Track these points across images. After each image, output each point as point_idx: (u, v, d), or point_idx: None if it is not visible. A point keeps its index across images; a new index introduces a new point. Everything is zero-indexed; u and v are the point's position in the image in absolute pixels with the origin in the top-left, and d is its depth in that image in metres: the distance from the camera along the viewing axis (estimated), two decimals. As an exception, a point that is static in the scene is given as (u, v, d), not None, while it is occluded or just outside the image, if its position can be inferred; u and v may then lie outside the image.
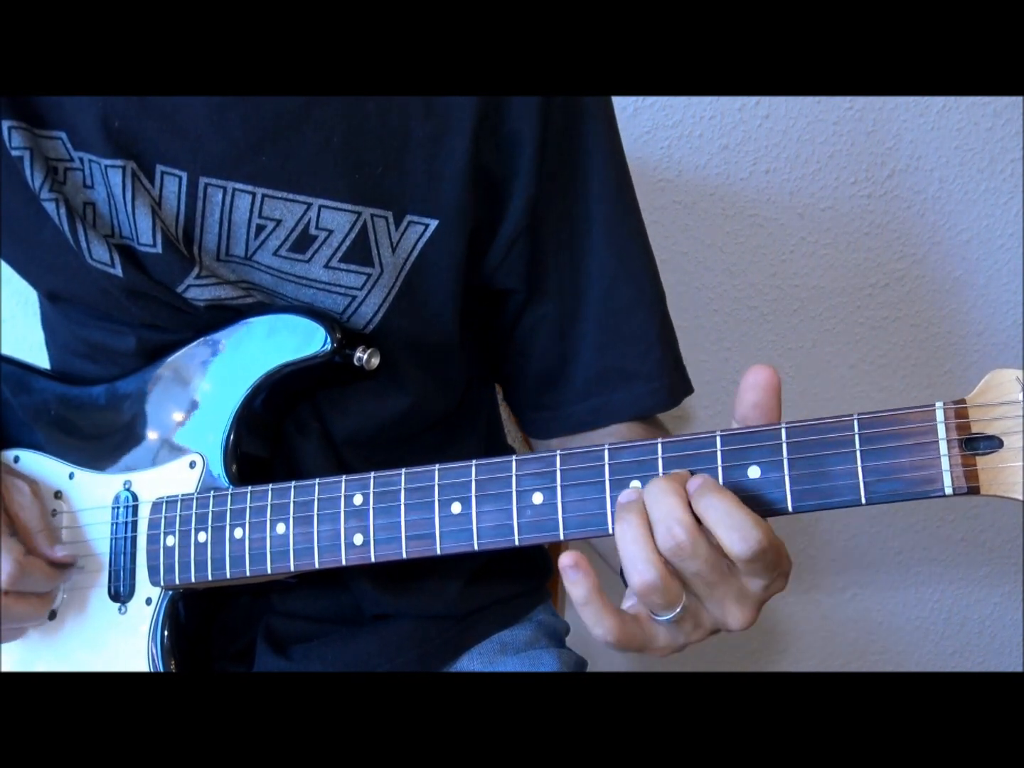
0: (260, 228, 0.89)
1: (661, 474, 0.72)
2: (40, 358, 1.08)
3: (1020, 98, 1.53)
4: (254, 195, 0.89)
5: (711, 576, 0.68)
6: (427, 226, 0.90)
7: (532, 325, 0.97)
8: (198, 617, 0.92)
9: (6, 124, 0.90)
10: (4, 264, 1.01)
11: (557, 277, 0.95)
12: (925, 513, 1.69)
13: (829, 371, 1.61)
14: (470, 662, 1.00)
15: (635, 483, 0.73)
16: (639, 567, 0.68)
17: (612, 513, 0.74)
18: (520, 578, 1.07)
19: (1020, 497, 0.65)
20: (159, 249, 0.89)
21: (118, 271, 0.90)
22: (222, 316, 0.92)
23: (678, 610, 0.69)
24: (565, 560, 0.69)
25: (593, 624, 0.69)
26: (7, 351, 1.06)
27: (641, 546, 0.68)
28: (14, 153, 0.90)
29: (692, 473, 0.70)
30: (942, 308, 1.61)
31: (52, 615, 0.94)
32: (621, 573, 0.72)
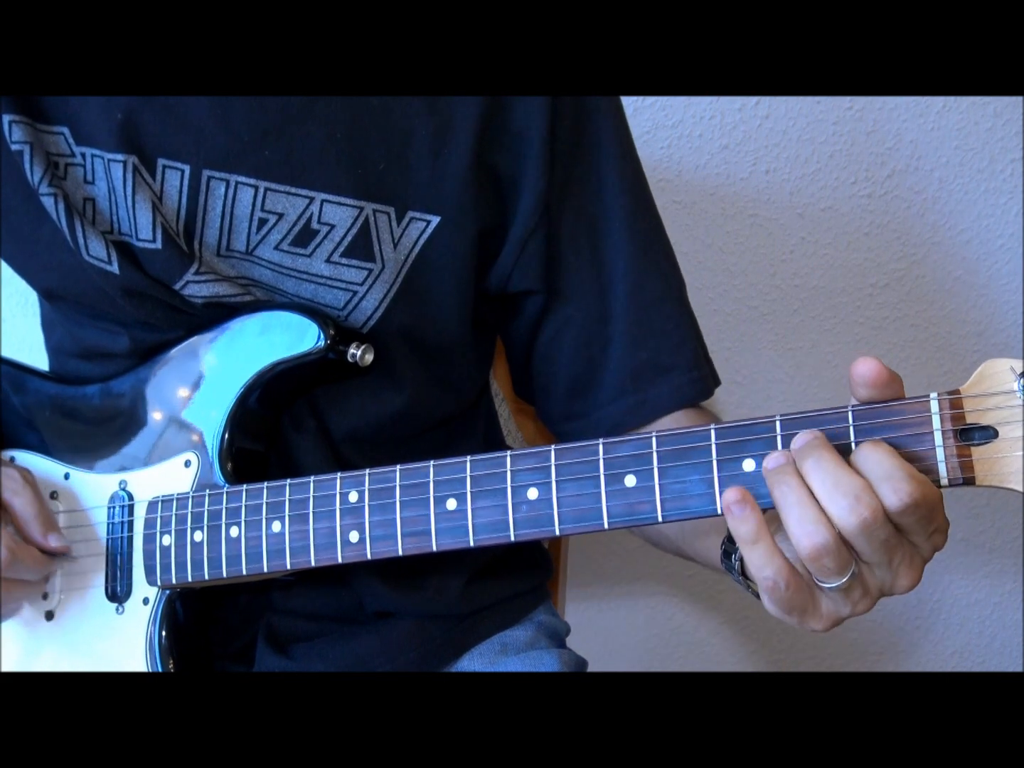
0: (262, 222, 0.89)
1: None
2: (40, 358, 1.08)
3: (1020, 98, 1.53)
4: (257, 188, 0.89)
5: (894, 540, 0.65)
6: (429, 222, 0.90)
7: (556, 329, 0.95)
8: (196, 616, 0.92)
9: (7, 118, 0.90)
10: (4, 264, 1.01)
11: (578, 277, 0.94)
12: (925, 513, 1.68)
13: (829, 371, 1.61)
14: (471, 662, 1.00)
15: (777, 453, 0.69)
16: (808, 529, 0.65)
17: (608, 508, 0.74)
18: (521, 578, 1.07)
19: (1016, 487, 0.65)
20: (158, 244, 0.89)
21: (115, 268, 0.90)
22: (218, 314, 0.92)
23: (847, 577, 0.66)
24: (731, 496, 0.66)
25: (762, 565, 0.66)
26: (7, 351, 1.06)
27: (808, 507, 0.65)
28: (14, 147, 0.90)
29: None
30: (942, 308, 1.61)
31: (50, 616, 0.94)
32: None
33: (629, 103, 1.44)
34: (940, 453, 0.66)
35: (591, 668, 1.06)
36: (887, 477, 0.64)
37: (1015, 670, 1.77)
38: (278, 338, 0.89)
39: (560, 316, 0.95)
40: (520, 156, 0.90)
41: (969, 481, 0.66)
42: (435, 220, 0.90)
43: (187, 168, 0.89)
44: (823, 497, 0.65)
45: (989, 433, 0.66)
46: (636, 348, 0.94)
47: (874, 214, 1.55)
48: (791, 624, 0.70)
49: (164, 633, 0.89)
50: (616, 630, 1.70)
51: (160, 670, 0.89)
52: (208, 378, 0.92)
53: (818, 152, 1.51)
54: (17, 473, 0.92)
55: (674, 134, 1.47)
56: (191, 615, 0.91)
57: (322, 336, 0.88)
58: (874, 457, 0.65)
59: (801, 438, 0.67)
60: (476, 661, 1.01)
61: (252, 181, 0.89)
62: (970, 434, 0.66)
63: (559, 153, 0.90)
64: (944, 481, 0.67)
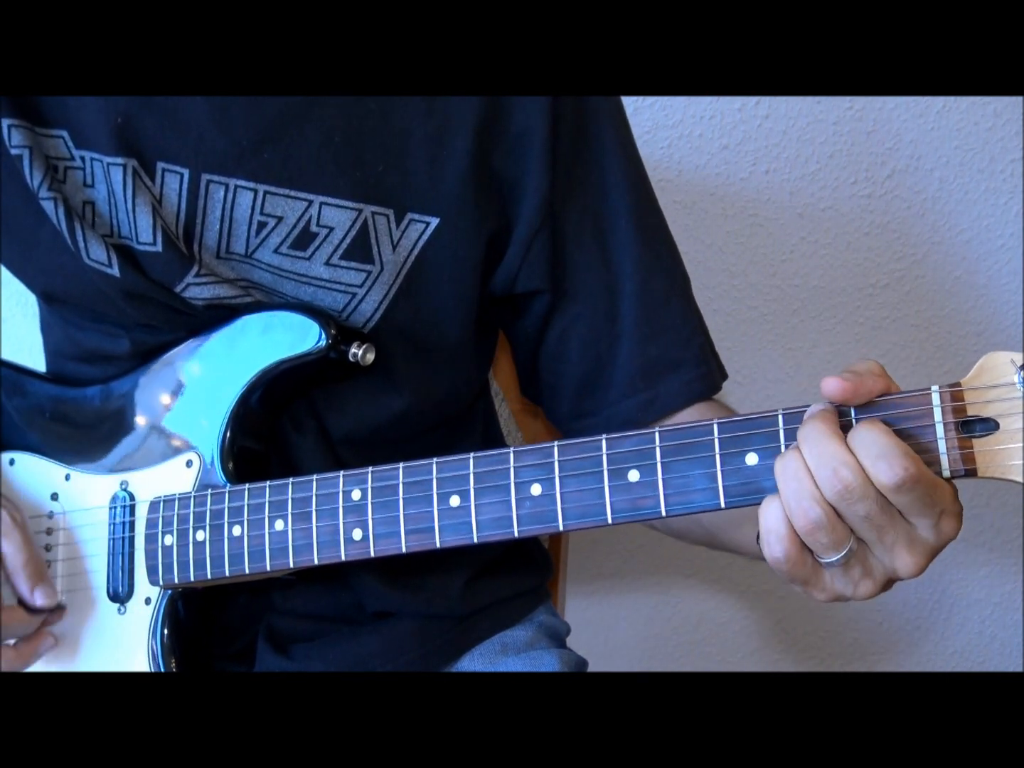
0: (261, 225, 0.89)
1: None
2: (40, 360, 1.08)
3: (1020, 98, 1.53)
4: (255, 192, 0.89)
5: (880, 519, 0.66)
6: (427, 224, 0.90)
7: (564, 328, 0.95)
8: (198, 616, 0.92)
9: (6, 122, 0.90)
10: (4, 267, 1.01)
11: (586, 275, 0.94)
12: (925, 513, 1.68)
13: (829, 371, 1.59)
14: (471, 662, 1.00)
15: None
16: (804, 505, 0.66)
17: (611, 503, 0.74)
18: (521, 578, 1.07)
19: (1017, 479, 0.66)
20: (159, 247, 0.89)
21: (115, 271, 0.90)
22: (219, 316, 0.92)
23: (844, 552, 0.67)
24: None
25: (772, 545, 0.68)
26: (6, 353, 1.06)
27: (803, 483, 0.66)
28: (13, 151, 0.90)
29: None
30: (942, 308, 1.61)
31: (51, 615, 0.94)
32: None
33: (629, 103, 1.43)
34: (942, 445, 0.67)
35: (591, 668, 1.06)
36: (882, 455, 0.65)
37: (1015, 670, 1.77)
38: (280, 338, 0.89)
39: (568, 314, 0.95)
40: (522, 158, 0.90)
41: (971, 472, 0.67)
42: (434, 222, 0.90)
43: (186, 172, 0.89)
44: (812, 467, 0.67)
45: (990, 425, 0.66)
46: (645, 345, 0.94)
47: (874, 214, 1.55)
48: (798, 590, 0.71)
49: (166, 633, 0.89)
50: (616, 630, 1.70)
51: (162, 670, 0.89)
52: (209, 378, 0.92)
53: (818, 152, 1.51)
54: (7, 514, 0.90)
55: (674, 134, 1.47)
56: (193, 615, 0.91)
57: (323, 335, 0.88)
58: (870, 436, 0.66)
59: (810, 410, 0.69)
60: (476, 661, 1.01)
61: (251, 184, 0.89)
62: (971, 426, 0.67)
63: (561, 153, 0.90)
64: (946, 472, 0.67)
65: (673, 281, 0.96)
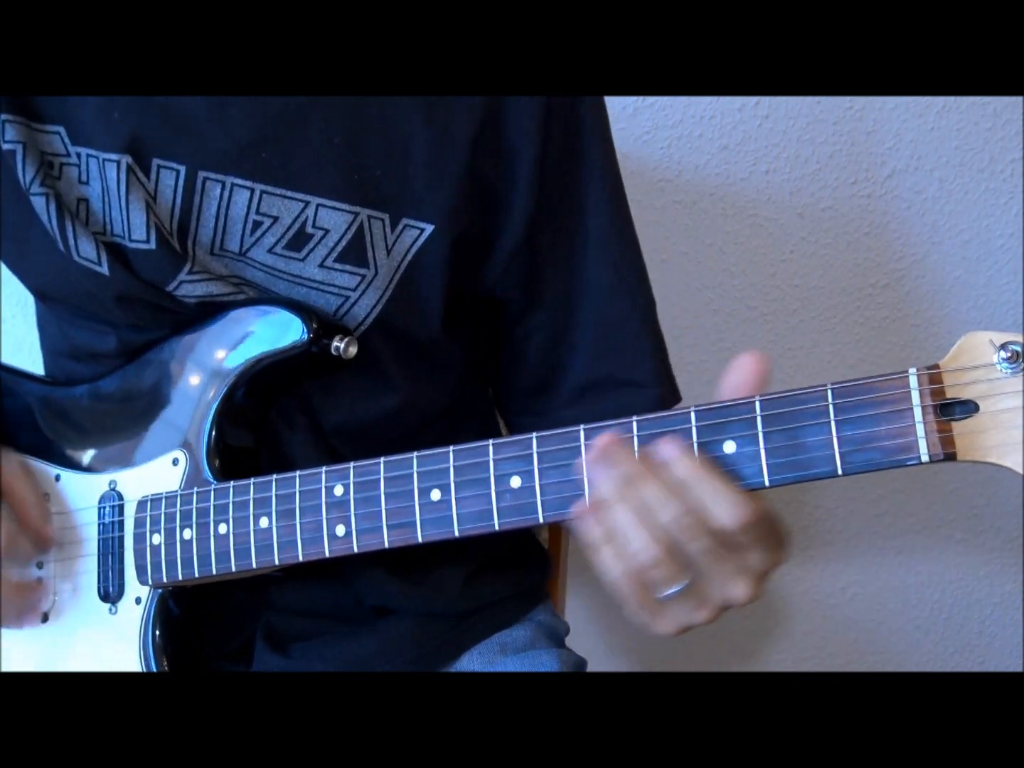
0: (257, 224, 0.89)
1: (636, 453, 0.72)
2: (38, 359, 1.08)
3: (1020, 98, 1.53)
4: (252, 191, 0.89)
5: (718, 551, 0.68)
6: (422, 231, 0.91)
7: (527, 333, 0.98)
8: (190, 614, 0.92)
9: (1, 117, 0.90)
10: (4, 265, 1.01)
11: (553, 288, 0.96)
12: (926, 514, 1.69)
13: (829, 371, 1.61)
14: (470, 662, 1.00)
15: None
16: (642, 544, 0.69)
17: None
18: (520, 578, 1.07)
19: (998, 461, 0.64)
20: (152, 245, 0.89)
21: (104, 269, 0.90)
22: (207, 313, 0.92)
23: (678, 587, 0.69)
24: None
25: (611, 566, 0.72)
26: (6, 352, 1.05)
27: (639, 521, 0.69)
28: (6, 147, 0.90)
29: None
30: (942, 308, 1.61)
31: (44, 617, 0.94)
32: None
33: (629, 103, 1.44)
34: (920, 429, 0.66)
35: (591, 668, 1.06)
36: (717, 500, 0.67)
37: (1015, 670, 1.77)
38: (262, 333, 0.89)
39: (533, 321, 0.97)
40: (511, 170, 0.91)
41: (950, 456, 0.65)
42: (429, 228, 0.90)
43: (183, 169, 0.89)
44: (654, 509, 0.69)
45: (970, 407, 0.65)
46: (596, 361, 0.96)
47: (874, 214, 1.55)
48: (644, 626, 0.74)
49: (158, 633, 0.89)
50: (616, 630, 1.70)
51: (154, 670, 0.89)
52: (193, 375, 0.92)
53: (818, 152, 1.51)
54: (16, 459, 0.93)
55: (674, 134, 1.47)
56: (184, 613, 0.91)
57: (305, 330, 0.88)
58: (704, 479, 0.68)
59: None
60: (475, 661, 1.01)
61: (248, 183, 0.89)
62: (950, 409, 0.65)
63: (547, 170, 0.92)
64: (925, 457, 0.66)
65: (634, 304, 0.97)
